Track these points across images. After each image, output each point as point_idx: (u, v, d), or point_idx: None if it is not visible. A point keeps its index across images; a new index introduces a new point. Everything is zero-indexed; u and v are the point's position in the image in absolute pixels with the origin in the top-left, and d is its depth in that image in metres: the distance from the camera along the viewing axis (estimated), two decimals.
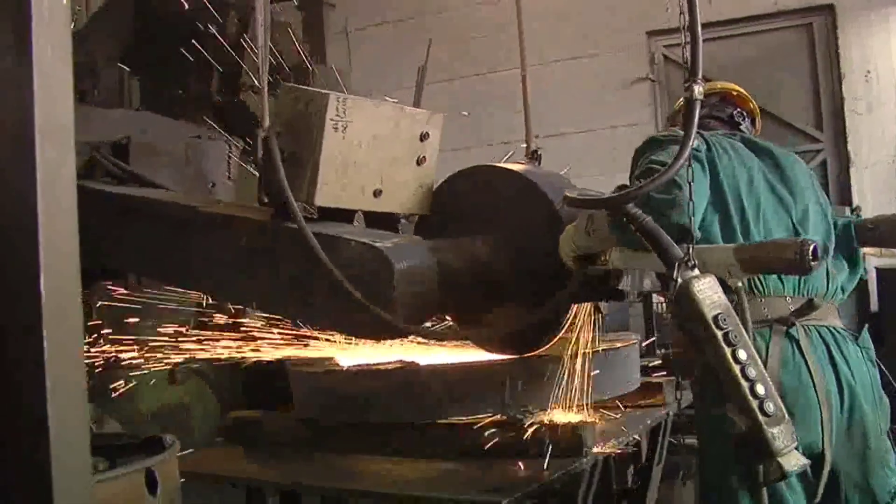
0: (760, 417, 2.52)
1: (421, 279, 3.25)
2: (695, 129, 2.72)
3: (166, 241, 3.81)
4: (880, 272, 8.00)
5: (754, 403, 2.52)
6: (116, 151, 4.21)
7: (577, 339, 3.86)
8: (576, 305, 3.73)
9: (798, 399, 3.11)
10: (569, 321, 3.70)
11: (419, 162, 3.68)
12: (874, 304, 8.15)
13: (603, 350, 4.05)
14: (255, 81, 7.76)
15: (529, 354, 3.85)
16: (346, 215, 3.58)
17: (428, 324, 3.65)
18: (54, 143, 1.55)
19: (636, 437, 4.25)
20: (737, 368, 2.54)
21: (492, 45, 9.74)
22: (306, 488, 3.84)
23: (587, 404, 3.90)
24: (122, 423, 6.42)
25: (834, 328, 3.29)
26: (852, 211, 7.67)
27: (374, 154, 3.51)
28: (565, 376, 3.83)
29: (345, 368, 4.29)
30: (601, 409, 4.10)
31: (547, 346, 3.81)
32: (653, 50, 10.02)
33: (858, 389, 3.22)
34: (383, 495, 3.61)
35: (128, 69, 9.18)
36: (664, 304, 7.41)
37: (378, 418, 4.00)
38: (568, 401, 3.83)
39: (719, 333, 2.57)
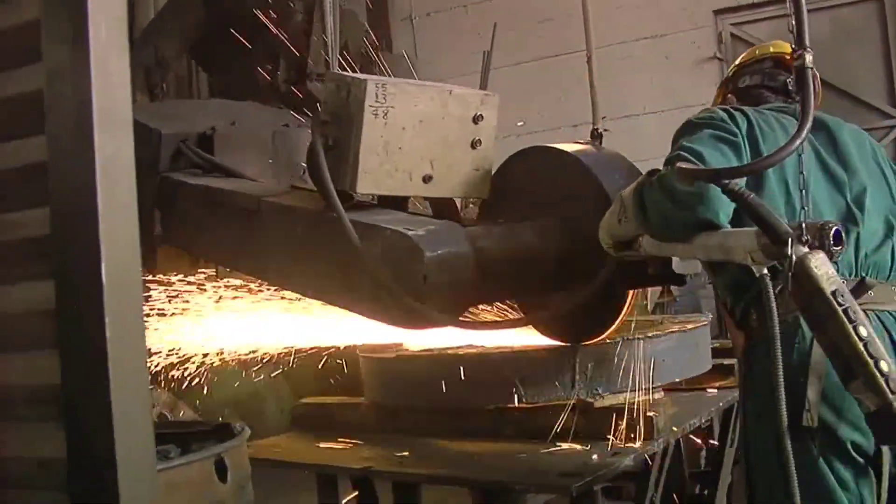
0: (890, 396, 2.45)
1: (455, 268, 3.17)
2: (812, 99, 2.64)
3: (235, 229, 3.85)
4: None
5: (882, 381, 2.45)
6: (202, 142, 4.24)
7: (647, 322, 3.82)
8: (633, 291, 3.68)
9: None
10: (627, 308, 3.65)
11: (474, 145, 3.58)
12: None
13: (674, 332, 4.01)
14: (320, 69, 7.84)
15: (596, 340, 3.81)
16: (400, 203, 3.54)
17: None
18: (112, 131, 1.56)
19: (708, 419, 4.22)
20: (861, 345, 2.46)
21: (558, 28, 9.68)
22: (377, 473, 3.85)
23: (658, 387, 3.87)
24: (196, 411, 6.52)
25: None
26: None
27: (422, 139, 3.44)
28: (636, 359, 3.80)
29: (415, 354, 4.30)
30: (672, 392, 4.06)
31: (607, 333, 3.75)
32: (720, 29, 9.89)
33: None
34: (454, 479, 3.61)
35: (195, 63, 9.33)
36: None
37: (448, 403, 4.01)
38: (639, 383, 3.80)
39: (840, 309, 2.48)
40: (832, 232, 2.55)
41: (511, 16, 9.44)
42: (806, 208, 2.83)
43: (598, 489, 3.59)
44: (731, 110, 3.20)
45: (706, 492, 4.93)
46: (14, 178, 1.68)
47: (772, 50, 3.74)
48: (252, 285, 4.37)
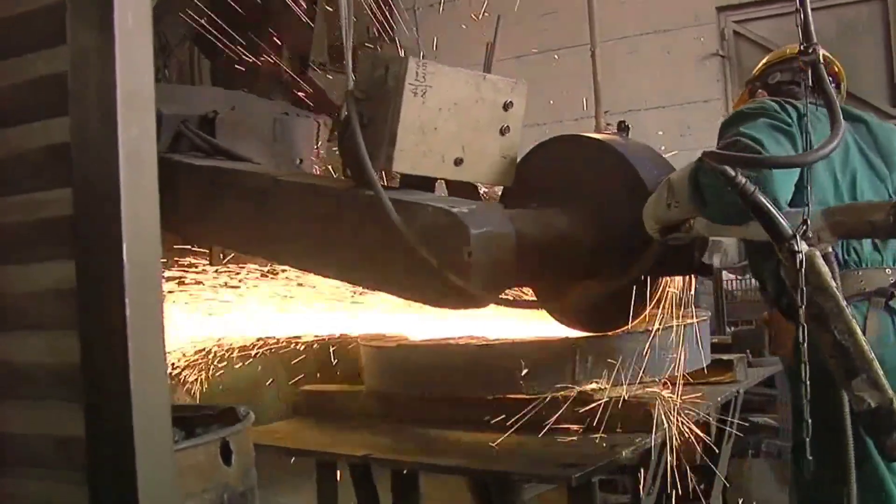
0: (890, 393, 2.48)
1: (498, 246, 3.18)
2: (837, 100, 2.71)
3: (247, 211, 3.82)
4: None
5: (883, 378, 2.48)
6: (203, 125, 4.20)
7: (650, 314, 3.83)
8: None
9: None
10: (657, 296, 3.66)
11: (503, 132, 3.60)
12: None
13: (674, 326, 4.02)
14: (323, 59, 7.83)
15: (607, 331, 3.83)
16: (426, 184, 3.54)
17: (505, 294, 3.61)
18: (136, 113, 1.57)
19: (706, 414, 4.23)
20: (866, 343, 2.50)
21: (562, 21, 9.69)
22: (376, 460, 3.87)
23: (657, 380, 3.88)
24: (194, 395, 6.52)
25: None
26: None
27: (455, 122, 3.46)
28: (636, 352, 3.81)
29: (416, 343, 4.31)
30: (671, 385, 4.08)
31: (632, 322, 3.77)
32: (723, 25, 9.90)
33: None
34: (453, 468, 3.62)
35: (198, 49, 9.30)
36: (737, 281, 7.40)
37: (448, 392, 4.02)
38: (638, 376, 3.81)
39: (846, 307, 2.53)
40: None
41: (515, 8, 9.42)
42: (809, 206, 2.85)
43: (596, 481, 3.62)
44: (782, 101, 3.25)
45: (702, 486, 4.95)
46: (38, 159, 1.70)
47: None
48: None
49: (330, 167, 4.57)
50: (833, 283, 2.54)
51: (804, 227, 2.64)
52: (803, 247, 2.60)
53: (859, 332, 2.50)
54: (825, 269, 2.55)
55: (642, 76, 9.87)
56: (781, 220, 2.65)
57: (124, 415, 1.54)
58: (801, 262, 2.57)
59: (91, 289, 1.59)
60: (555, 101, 9.44)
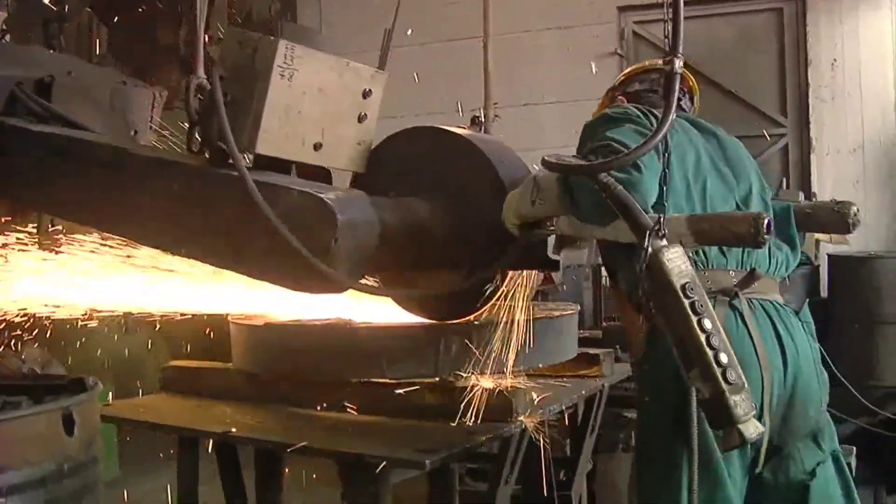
0: (723, 385, 2.58)
1: (363, 233, 3.23)
2: (675, 104, 2.81)
3: (92, 183, 3.73)
4: (831, 258, 8.10)
5: (718, 371, 2.59)
6: (39, 89, 4.05)
7: (517, 305, 3.87)
8: (516, 272, 3.74)
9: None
10: (504, 289, 3.71)
11: (360, 119, 3.66)
12: (824, 291, 8.26)
13: (540, 318, 4.07)
14: (219, 33, 7.78)
15: (464, 319, 3.86)
16: (282, 167, 3.52)
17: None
18: None
19: (568, 406, 4.29)
20: (702, 337, 2.62)
21: (466, 11, 9.68)
22: (239, 439, 3.88)
23: (521, 371, 3.93)
24: (74, 370, 6.44)
25: (777, 302, 3.35)
26: (807, 198, 7.68)
27: (318, 106, 3.48)
28: (501, 342, 3.85)
29: (283, 323, 4.30)
30: (536, 377, 4.13)
31: (480, 312, 3.81)
32: (623, 25, 10.02)
33: (802, 362, 3.28)
34: (311, 449, 3.63)
35: (97, 16, 9.19)
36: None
37: (313, 374, 4.03)
38: (502, 366, 3.86)
39: (686, 302, 2.65)
40: (765, 222, 2.75)
41: None
42: (666, 203, 2.96)
43: (457, 467, 3.66)
44: (644, 109, 3.38)
45: (565, 478, 5.03)
46: None
47: (660, 63, 3.93)
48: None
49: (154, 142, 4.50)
50: (674, 279, 2.65)
51: (658, 226, 2.75)
52: (658, 243, 2.72)
53: (696, 326, 2.62)
54: (668, 265, 2.66)
55: (542, 70, 9.95)
56: (642, 216, 2.80)
57: None
58: (646, 255, 2.69)
59: None
60: (453, 90, 9.50)
